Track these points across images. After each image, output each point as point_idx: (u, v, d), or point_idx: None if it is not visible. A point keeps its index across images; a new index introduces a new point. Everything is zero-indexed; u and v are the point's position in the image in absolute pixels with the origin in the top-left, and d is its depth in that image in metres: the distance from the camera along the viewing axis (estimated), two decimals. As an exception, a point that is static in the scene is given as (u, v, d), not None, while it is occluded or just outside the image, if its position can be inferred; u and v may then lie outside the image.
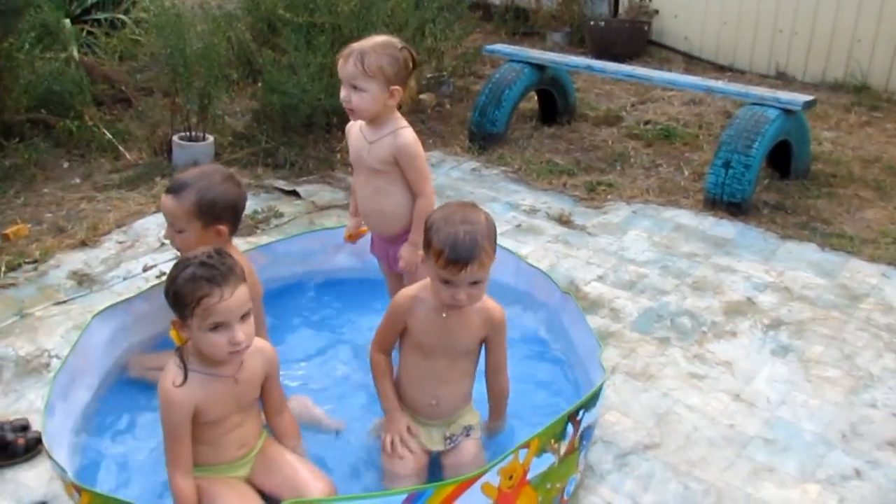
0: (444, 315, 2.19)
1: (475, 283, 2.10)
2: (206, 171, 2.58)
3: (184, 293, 1.98)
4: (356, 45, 2.51)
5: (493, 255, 2.11)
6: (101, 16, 6.15)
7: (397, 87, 2.52)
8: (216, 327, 1.99)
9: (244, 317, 2.02)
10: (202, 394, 2.06)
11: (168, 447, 2.08)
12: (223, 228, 2.53)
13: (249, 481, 2.20)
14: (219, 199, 2.50)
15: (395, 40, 2.55)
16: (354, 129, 2.70)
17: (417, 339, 2.25)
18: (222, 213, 2.51)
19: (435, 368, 2.26)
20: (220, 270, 1.98)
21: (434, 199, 2.63)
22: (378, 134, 2.60)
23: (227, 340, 1.99)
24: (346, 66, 2.48)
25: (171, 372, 2.08)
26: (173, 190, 2.50)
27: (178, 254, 2.59)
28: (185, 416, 2.05)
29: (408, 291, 2.28)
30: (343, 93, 2.52)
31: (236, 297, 1.99)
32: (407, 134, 2.59)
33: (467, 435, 2.34)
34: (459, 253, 2.04)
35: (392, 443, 2.27)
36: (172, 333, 2.09)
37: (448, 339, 2.23)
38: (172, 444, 2.07)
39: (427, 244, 2.12)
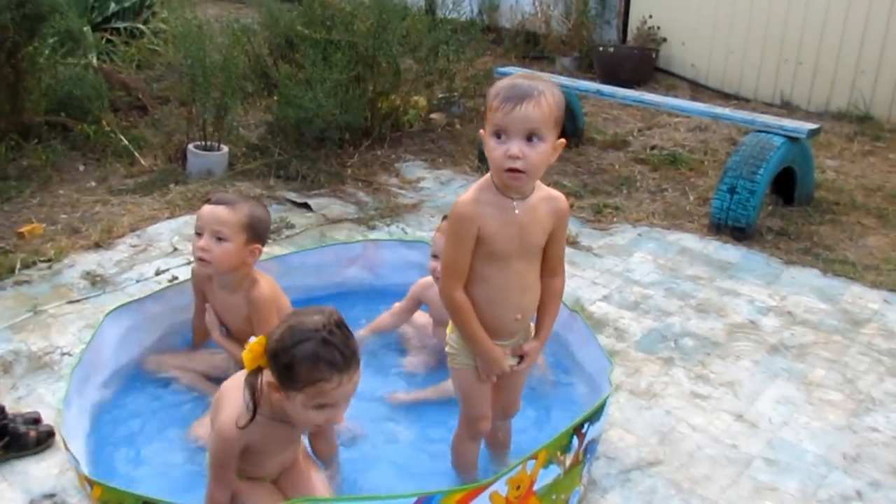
0: (515, 210, 2.03)
1: (530, 138, 1.92)
2: (244, 196, 2.71)
3: (299, 370, 1.85)
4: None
5: (554, 116, 1.93)
6: (120, 25, 6.27)
7: None
8: (322, 407, 1.89)
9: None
10: (259, 436, 2.00)
11: (212, 470, 2.04)
12: (259, 248, 2.64)
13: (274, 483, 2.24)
14: (264, 219, 2.65)
15: None
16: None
17: (491, 248, 2.04)
18: (263, 234, 2.65)
19: (514, 275, 2.09)
20: (343, 354, 1.86)
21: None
22: None
23: (326, 418, 1.92)
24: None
25: (236, 407, 1.97)
26: (224, 202, 2.59)
27: (197, 261, 2.62)
28: (236, 452, 2.01)
29: (466, 198, 2.04)
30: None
31: (353, 382, 1.89)
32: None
33: None
34: (515, 89, 1.91)
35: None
36: (246, 356, 1.95)
37: (522, 237, 2.06)
38: (217, 470, 2.03)
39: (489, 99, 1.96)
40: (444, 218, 2.82)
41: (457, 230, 2.03)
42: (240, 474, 2.15)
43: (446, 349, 2.24)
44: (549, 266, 2.18)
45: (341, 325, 1.91)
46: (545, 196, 2.10)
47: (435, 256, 2.83)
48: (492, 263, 2.06)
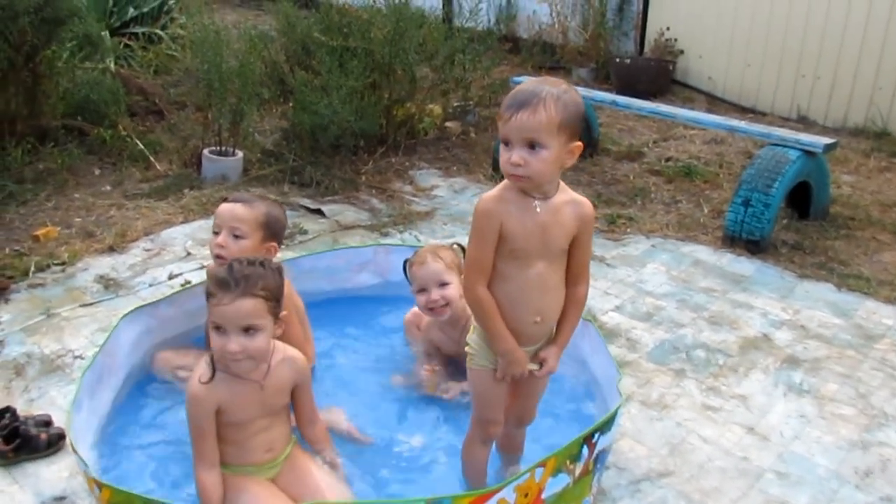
0: (537, 209, 2.04)
1: (532, 146, 1.94)
2: (261, 196, 2.76)
3: (206, 287, 2.09)
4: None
5: (557, 122, 1.92)
6: (138, 30, 6.32)
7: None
8: (216, 328, 2.05)
9: (247, 330, 2.04)
10: (226, 394, 2.10)
11: (193, 442, 2.13)
12: (275, 247, 2.68)
13: (275, 484, 2.24)
14: (281, 219, 2.71)
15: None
16: None
17: (513, 246, 2.05)
18: (279, 233, 2.70)
19: (535, 275, 2.09)
20: (233, 276, 2.03)
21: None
22: None
23: (220, 345, 2.04)
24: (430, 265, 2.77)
25: (199, 369, 2.13)
26: (241, 200, 2.66)
27: (214, 259, 2.65)
28: (208, 413, 2.09)
29: (489, 195, 2.06)
30: (422, 299, 2.79)
31: (235, 307, 2.01)
32: None
33: None
34: (516, 97, 1.96)
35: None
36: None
37: (543, 237, 2.06)
38: (197, 440, 2.12)
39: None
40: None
41: (480, 226, 2.05)
42: (232, 467, 2.16)
43: (465, 349, 2.24)
44: (573, 273, 2.18)
45: (253, 262, 2.08)
46: (569, 199, 2.10)
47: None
48: (513, 262, 2.07)
